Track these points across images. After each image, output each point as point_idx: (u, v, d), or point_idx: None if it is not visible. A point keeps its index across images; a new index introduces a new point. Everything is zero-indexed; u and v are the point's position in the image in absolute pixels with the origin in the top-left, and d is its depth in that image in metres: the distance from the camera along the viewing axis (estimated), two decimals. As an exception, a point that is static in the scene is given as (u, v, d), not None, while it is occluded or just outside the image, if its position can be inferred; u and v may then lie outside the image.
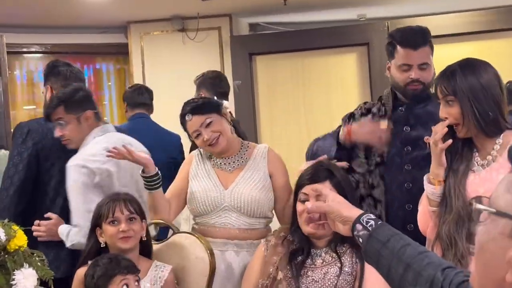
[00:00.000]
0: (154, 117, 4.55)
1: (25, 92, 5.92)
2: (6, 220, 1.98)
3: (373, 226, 1.50)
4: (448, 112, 2.18)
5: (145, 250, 2.53)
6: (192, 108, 2.68)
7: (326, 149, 2.69)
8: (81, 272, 2.42)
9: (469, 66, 2.20)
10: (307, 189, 2.31)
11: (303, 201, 2.31)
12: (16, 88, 5.83)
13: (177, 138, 4.08)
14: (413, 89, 2.65)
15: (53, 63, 3.28)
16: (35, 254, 1.97)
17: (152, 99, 4.37)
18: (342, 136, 2.57)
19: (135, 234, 2.44)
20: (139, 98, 4.39)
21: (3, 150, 4.17)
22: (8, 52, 5.01)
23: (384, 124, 2.53)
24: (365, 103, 2.91)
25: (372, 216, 1.52)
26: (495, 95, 2.16)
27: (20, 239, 1.92)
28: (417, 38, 2.67)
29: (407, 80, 2.63)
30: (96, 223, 2.48)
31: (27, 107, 5.84)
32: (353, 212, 1.55)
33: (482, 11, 5.44)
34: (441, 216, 2.25)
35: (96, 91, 6.09)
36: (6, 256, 1.88)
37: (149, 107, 4.36)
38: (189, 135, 2.74)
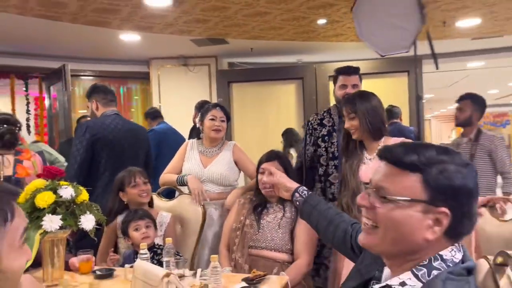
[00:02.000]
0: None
1: (81, 102, 6.16)
2: (75, 183, 1.98)
3: (306, 194, 1.57)
4: (351, 124, 2.33)
5: (150, 203, 2.61)
6: (221, 106, 2.89)
7: None
8: (112, 224, 2.46)
9: (363, 95, 2.36)
10: (263, 165, 2.48)
11: (262, 173, 2.45)
12: (76, 99, 6.16)
13: (182, 136, 4.50)
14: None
15: (95, 85, 3.31)
16: (93, 205, 1.97)
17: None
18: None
19: (149, 192, 2.55)
20: (158, 113, 4.87)
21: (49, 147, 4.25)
22: (71, 75, 5.31)
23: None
24: (317, 114, 3.02)
25: (305, 188, 1.60)
26: (379, 113, 2.31)
27: (84, 195, 1.91)
28: (350, 69, 2.86)
29: (344, 94, 2.78)
30: (119, 188, 2.51)
31: (81, 111, 6.07)
32: (293, 184, 1.63)
33: (371, 60, 5.83)
34: (341, 192, 2.38)
35: (128, 102, 6.52)
36: (75, 206, 1.84)
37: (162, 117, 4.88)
38: (202, 120, 2.81)
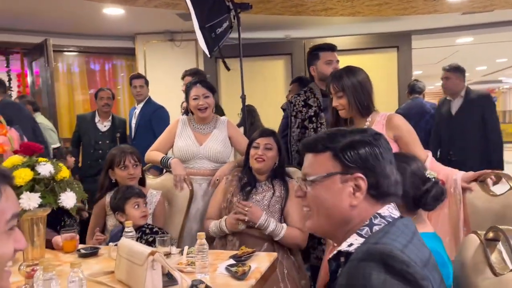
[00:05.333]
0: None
1: (65, 78, 6.05)
2: (54, 160, 1.88)
3: None
4: (339, 102, 2.22)
5: (142, 183, 2.58)
6: (201, 81, 2.80)
7: None
8: (101, 202, 2.43)
9: (350, 70, 2.24)
10: (259, 140, 2.47)
11: (256, 147, 2.45)
12: (59, 76, 6.01)
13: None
14: None
15: None
16: (74, 183, 1.89)
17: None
18: None
19: (137, 176, 2.49)
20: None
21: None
22: (53, 51, 5.20)
23: None
24: (298, 94, 2.94)
25: None
26: (366, 88, 2.20)
27: (64, 172, 1.84)
28: (333, 46, 2.94)
29: (332, 70, 2.70)
30: (109, 166, 2.46)
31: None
32: None
33: (361, 36, 5.89)
34: None
35: (113, 79, 6.36)
36: (55, 183, 1.76)
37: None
38: (187, 99, 2.77)
